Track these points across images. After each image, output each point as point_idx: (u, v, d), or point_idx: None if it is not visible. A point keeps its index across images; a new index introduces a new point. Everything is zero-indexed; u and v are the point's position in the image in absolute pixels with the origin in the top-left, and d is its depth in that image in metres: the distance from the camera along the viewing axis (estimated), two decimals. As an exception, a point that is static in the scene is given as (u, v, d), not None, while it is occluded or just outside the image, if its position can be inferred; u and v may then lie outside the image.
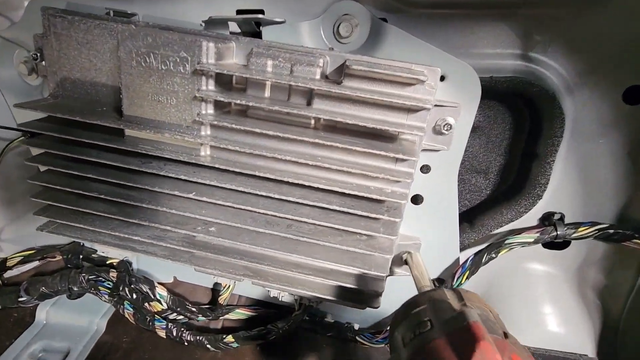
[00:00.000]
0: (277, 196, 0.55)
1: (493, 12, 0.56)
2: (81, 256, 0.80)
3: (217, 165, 0.55)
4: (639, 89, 0.58)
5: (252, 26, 0.60)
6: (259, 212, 0.58)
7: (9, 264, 0.81)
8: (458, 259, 0.70)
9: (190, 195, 0.57)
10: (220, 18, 0.58)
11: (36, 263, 0.84)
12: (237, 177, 0.57)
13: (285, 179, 0.54)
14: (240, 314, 0.80)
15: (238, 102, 0.51)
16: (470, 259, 0.67)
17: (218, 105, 0.55)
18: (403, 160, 0.53)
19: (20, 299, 0.73)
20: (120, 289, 0.72)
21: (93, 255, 0.80)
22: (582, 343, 0.71)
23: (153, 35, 0.51)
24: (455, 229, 0.68)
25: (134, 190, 0.60)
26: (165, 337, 0.74)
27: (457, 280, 0.67)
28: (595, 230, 0.64)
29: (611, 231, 0.63)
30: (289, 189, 0.56)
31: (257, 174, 0.54)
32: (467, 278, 0.67)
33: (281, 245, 0.59)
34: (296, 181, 0.54)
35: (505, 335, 0.42)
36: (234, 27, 0.63)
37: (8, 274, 0.82)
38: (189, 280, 0.83)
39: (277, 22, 0.59)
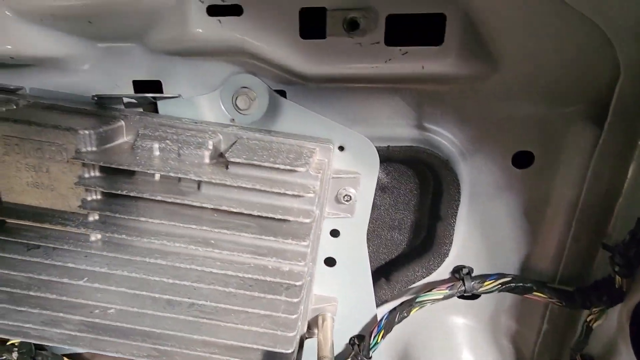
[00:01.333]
0: (171, 280, 0.53)
1: (386, 86, 0.58)
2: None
3: (106, 253, 0.53)
4: (526, 154, 0.61)
5: (147, 99, 0.59)
6: (157, 296, 0.56)
7: None
8: (376, 315, 0.71)
9: (81, 282, 0.54)
10: (108, 96, 0.56)
11: None
12: (130, 262, 0.54)
13: (177, 264, 0.52)
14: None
15: (120, 192, 0.49)
16: (384, 317, 0.68)
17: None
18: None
19: None
20: (21, 372, 0.67)
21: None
22: (498, 389, 0.74)
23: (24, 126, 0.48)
24: (370, 288, 0.69)
25: (21, 277, 0.56)
26: (75, 418, 0.70)
27: (373, 339, 0.68)
28: (499, 284, 0.66)
29: (513, 285, 0.66)
30: (185, 272, 0.54)
31: (147, 260, 0.52)
32: (383, 337, 0.68)
33: (184, 326, 0.57)
34: (189, 266, 0.52)
35: None
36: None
37: None
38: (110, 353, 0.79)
39: (170, 97, 0.57)
